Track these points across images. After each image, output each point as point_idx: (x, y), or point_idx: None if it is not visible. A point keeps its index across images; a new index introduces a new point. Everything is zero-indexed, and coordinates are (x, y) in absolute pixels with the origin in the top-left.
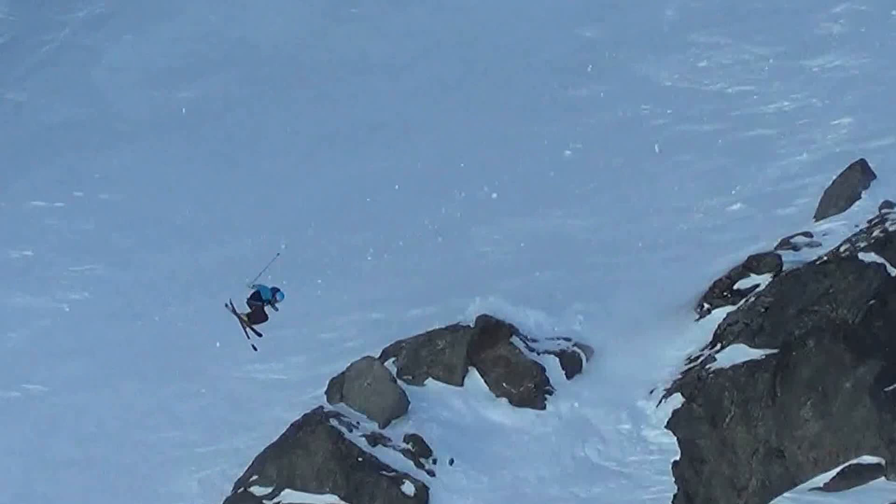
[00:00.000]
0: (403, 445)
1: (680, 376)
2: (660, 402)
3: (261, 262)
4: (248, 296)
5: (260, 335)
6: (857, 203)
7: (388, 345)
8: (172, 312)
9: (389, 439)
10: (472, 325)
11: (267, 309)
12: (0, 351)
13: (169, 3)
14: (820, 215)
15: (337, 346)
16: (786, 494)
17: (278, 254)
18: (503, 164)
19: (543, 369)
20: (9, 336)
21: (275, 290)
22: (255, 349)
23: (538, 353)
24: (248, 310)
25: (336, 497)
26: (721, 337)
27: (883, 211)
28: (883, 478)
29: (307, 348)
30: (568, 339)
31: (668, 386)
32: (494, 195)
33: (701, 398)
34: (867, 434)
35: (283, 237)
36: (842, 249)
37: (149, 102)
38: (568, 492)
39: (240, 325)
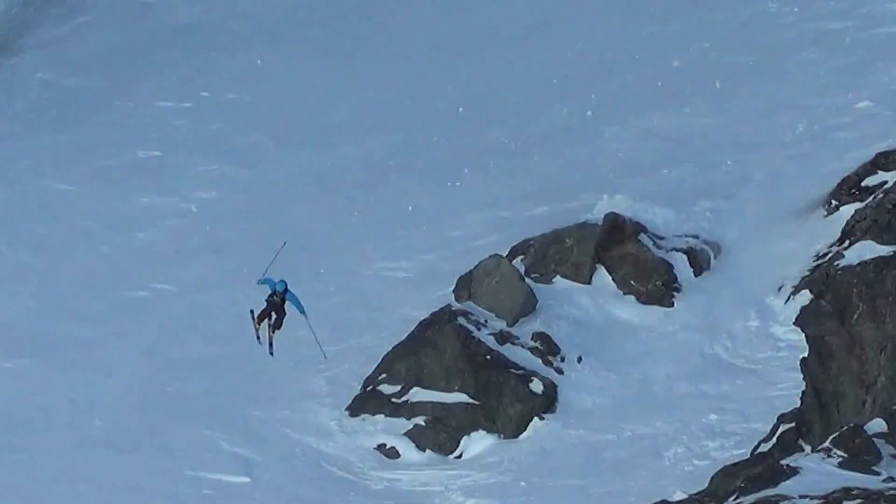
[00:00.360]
0: (531, 343)
1: (808, 273)
2: (788, 298)
3: (386, 163)
4: (266, 296)
5: (272, 353)
6: None
7: (515, 243)
8: (300, 211)
9: (517, 337)
10: (599, 223)
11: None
12: (128, 251)
13: None
14: None
15: (465, 245)
16: None
17: (284, 243)
18: (631, 62)
19: (671, 267)
20: (137, 236)
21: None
22: (272, 354)
23: (666, 251)
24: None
25: (465, 395)
26: (849, 233)
27: None
28: None
29: (435, 246)
30: (696, 237)
31: (796, 283)
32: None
33: (829, 295)
34: None
35: (412, 136)
36: None
37: (276, 2)
38: (696, 389)
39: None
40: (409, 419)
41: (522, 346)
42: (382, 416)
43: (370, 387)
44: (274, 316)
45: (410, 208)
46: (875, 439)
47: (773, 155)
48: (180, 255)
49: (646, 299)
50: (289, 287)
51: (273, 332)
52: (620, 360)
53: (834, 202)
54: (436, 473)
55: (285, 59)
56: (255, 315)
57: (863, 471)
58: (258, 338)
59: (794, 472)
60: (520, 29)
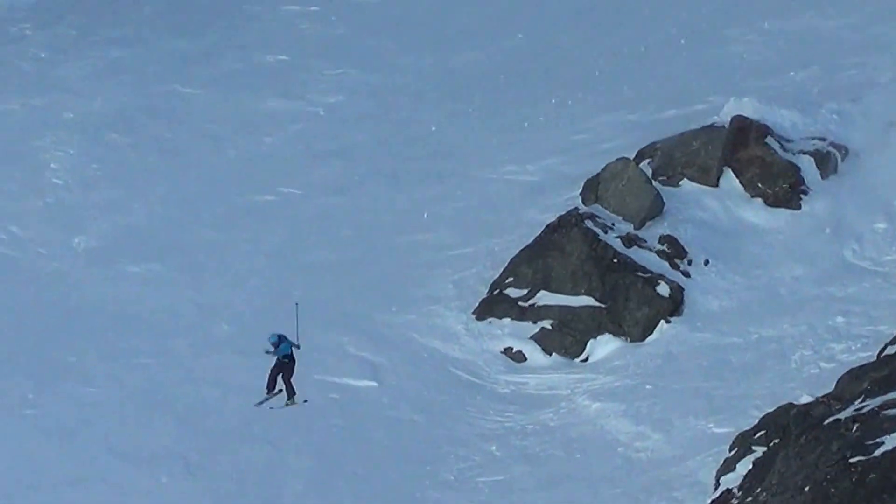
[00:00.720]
0: (658, 246)
1: None
2: None
3: (510, 67)
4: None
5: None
6: None
7: (642, 146)
8: (425, 116)
9: (644, 240)
10: (726, 126)
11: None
12: (255, 155)
13: None
14: None
15: (592, 148)
16: None
17: (296, 304)
18: None
19: (798, 169)
20: (264, 140)
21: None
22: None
23: (793, 154)
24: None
25: (591, 298)
26: None
27: None
28: None
29: (562, 150)
30: (823, 139)
31: None
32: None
33: None
34: None
35: (536, 40)
36: None
37: None
38: (823, 291)
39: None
40: (535, 323)
41: (649, 249)
42: (509, 319)
43: (497, 290)
44: (282, 383)
45: (536, 112)
46: None
47: None
48: (307, 159)
49: (773, 202)
50: (284, 337)
51: (291, 398)
52: (747, 262)
53: None
54: (562, 377)
55: None
56: (267, 384)
57: None
58: (261, 403)
59: None
60: None
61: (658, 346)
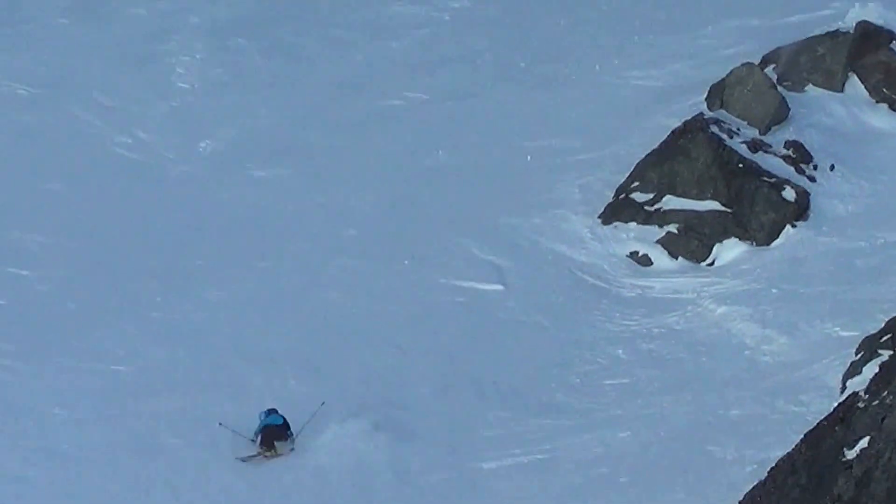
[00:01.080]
0: (784, 152)
1: None
2: None
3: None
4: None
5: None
6: None
7: (767, 51)
8: (549, 21)
9: (770, 146)
10: (851, 31)
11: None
12: (381, 60)
13: None
14: None
15: (717, 53)
16: None
17: (322, 403)
18: None
19: None
20: (390, 45)
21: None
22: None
23: None
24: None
25: (717, 203)
26: None
27: None
28: None
29: (687, 55)
30: None
31: None
32: None
33: None
34: None
35: None
36: None
37: None
38: None
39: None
40: (661, 227)
41: (775, 154)
42: (635, 223)
43: (623, 195)
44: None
45: (661, 17)
46: None
47: None
48: (432, 64)
49: None
50: (275, 411)
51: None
52: (873, 167)
53: None
54: (687, 281)
55: None
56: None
57: None
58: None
59: None
60: None
61: (784, 251)
